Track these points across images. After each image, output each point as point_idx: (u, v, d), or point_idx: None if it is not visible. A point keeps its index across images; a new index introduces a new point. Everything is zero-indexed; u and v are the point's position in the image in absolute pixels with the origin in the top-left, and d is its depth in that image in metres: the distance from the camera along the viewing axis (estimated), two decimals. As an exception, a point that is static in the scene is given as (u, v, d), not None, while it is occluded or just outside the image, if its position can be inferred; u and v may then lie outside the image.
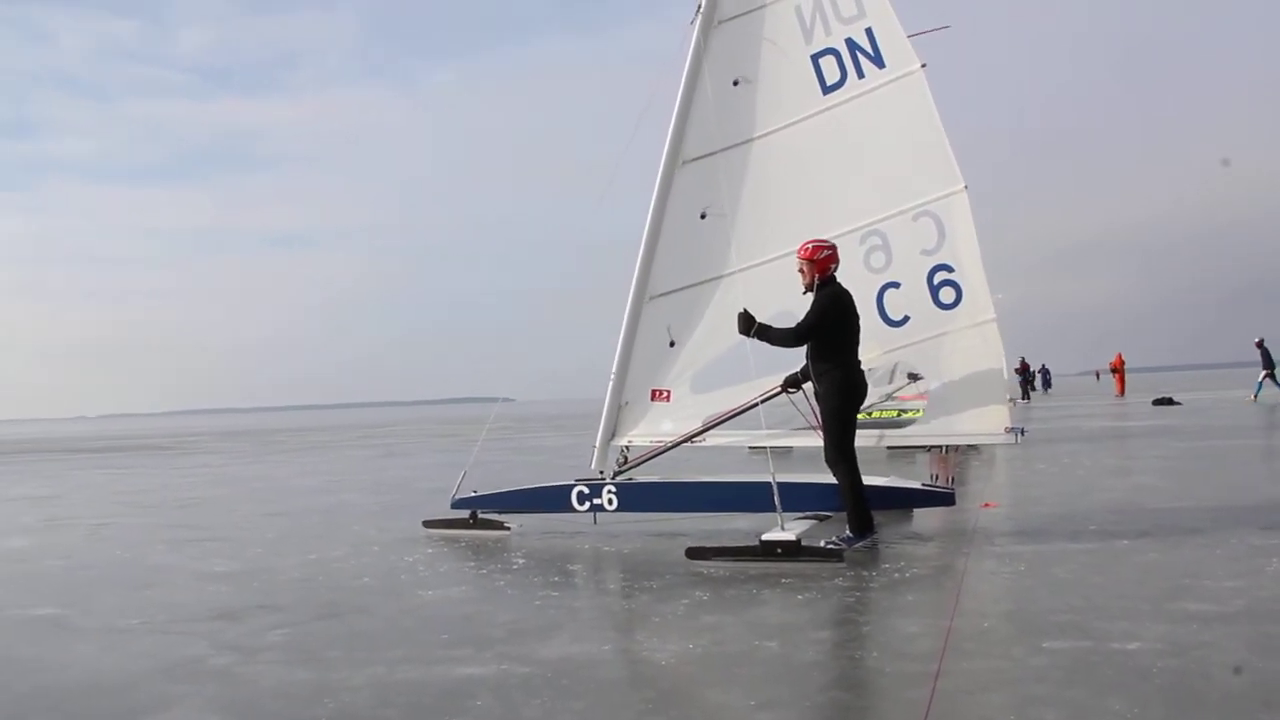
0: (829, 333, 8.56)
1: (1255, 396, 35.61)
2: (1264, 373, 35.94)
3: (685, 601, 6.90)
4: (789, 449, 9.71)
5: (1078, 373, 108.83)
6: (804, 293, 8.71)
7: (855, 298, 8.70)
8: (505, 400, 13.29)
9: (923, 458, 16.53)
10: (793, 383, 9.00)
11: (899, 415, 15.81)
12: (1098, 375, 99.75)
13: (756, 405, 9.14)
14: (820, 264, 8.63)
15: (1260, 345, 36.25)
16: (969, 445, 15.44)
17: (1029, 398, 50.38)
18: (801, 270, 8.70)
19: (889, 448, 9.70)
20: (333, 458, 26.96)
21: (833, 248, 8.71)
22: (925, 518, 9.93)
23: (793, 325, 8.68)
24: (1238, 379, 77.29)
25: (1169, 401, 36.07)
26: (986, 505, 10.69)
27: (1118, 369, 51.56)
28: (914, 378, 9.54)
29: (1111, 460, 16.70)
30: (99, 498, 17.58)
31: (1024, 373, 51.51)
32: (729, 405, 9.53)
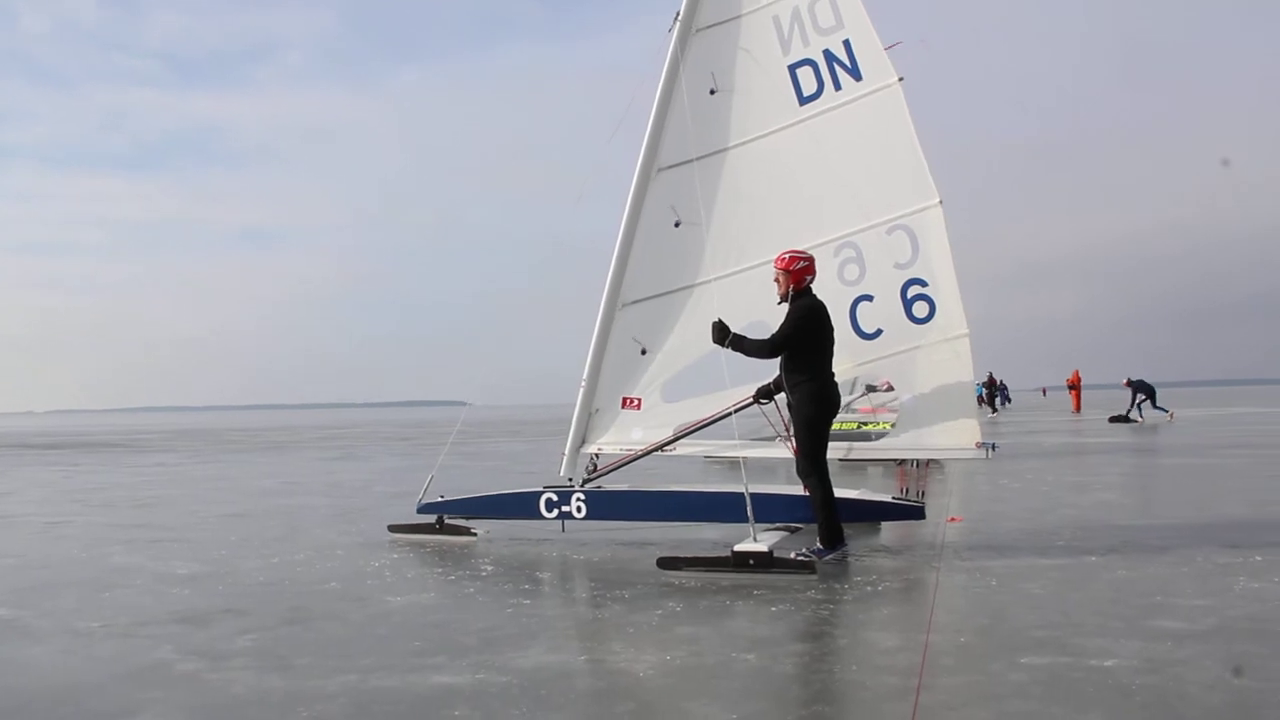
0: (803, 344, 8.54)
1: (1140, 417, 36.73)
2: (1142, 398, 37.25)
3: (659, 612, 6.86)
4: (745, 459, 9.70)
5: (1031, 388, 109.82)
6: (779, 303, 8.69)
7: (829, 310, 8.70)
8: (464, 405, 13.20)
9: (876, 470, 16.60)
10: (765, 393, 8.98)
11: (859, 427, 15.89)
12: (1044, 391, 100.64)
13: (729, 415, 9.12)
14: (795, 275, 8.61)
15: (1129, 384, 37.61)
16: (931, 459, 15.52)
17: (996, 411, 50.67)
18: (777, 280, 8.68)
19: (841, 460, 9.70)
20: (290, 459, 26.70)
21: (809, 259, 8.69)
22: (892, 531, 9.95)
23: (767, 336, 8.66)
24: (1192, 398, 78.35)
25: (1124, 419, 36.47)
26: (952, 519, 10.72)
27: (1075, 385, 51.97)
28: (871, 389, 9.55)
29: (1073, 476, 16.85)
30: (51, 496, 17.28)
31: (991, 387, 51.77)
32: (700, 414, 9.51)
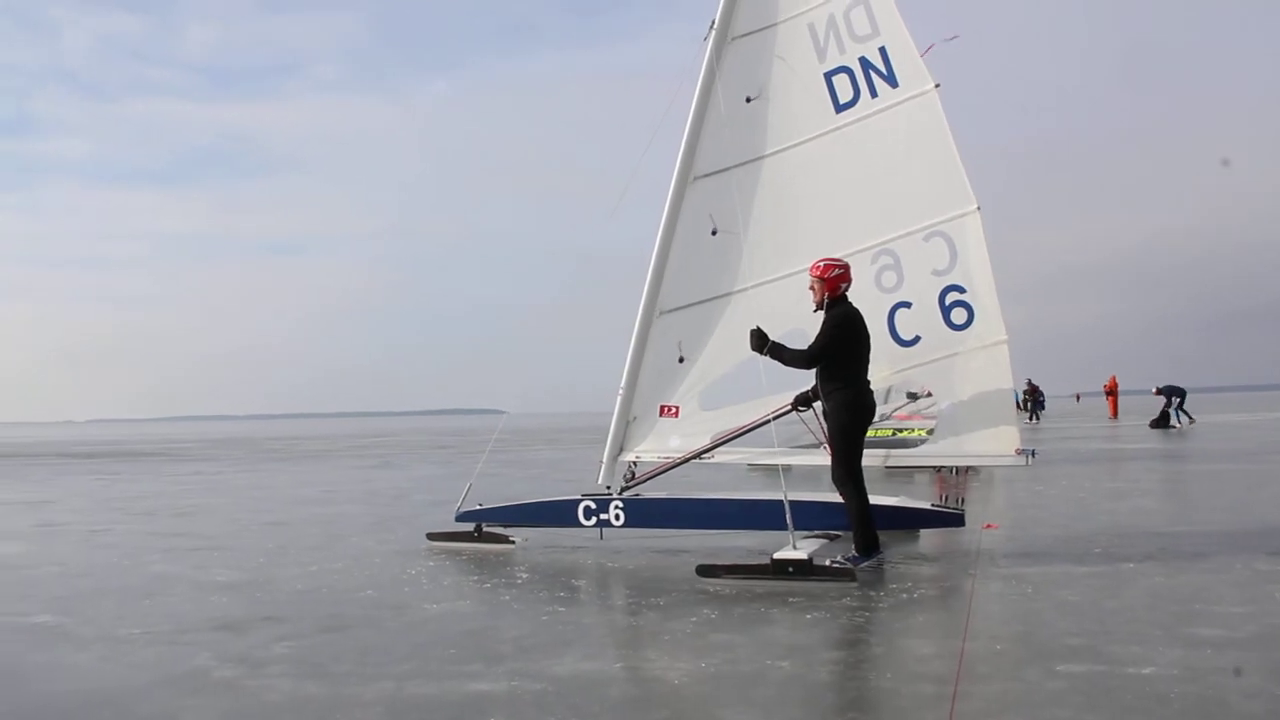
0: (840, 353, 8.52)
1: (1179, 423, 36.94)
2: (1177, 400, 37.54)
3: (694, 619, 6.86)
4: (789, 466, 9.68)
5: (1064, 395, 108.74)
6: (815, 310, 8.68)
7: (866, 317, 8.66)
8: (500, 413, 13.26)
9: (922, 478, 16.55)
10: (803, 401, 8.94)
11: (894, 434, 15.85)
12: (1078, 398, 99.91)
13: (768, 422, 9.11)
14: (830, 283, 8.59)
15: (1159, 391, 37.78)
16: (968, 466, 15.46)
17: (1038, 419, 50.13)
18: (812, 289, 8.67)
19: (886, 467, 9.68)
20: (328, 467, 26.87)
21: (845, 267, 8.68)
22: (928, 538, 9.90)
23: (804, 345, 8.64)
24: (1229, 403, 77.48)
25: (1165, 424, 36.16)
26: (988, 526, 10.65)
27: (1111, 391, 51.44)
28: (913, 396, 9.50)
29: (1110, 482, 16.72)
30: (92, 504, 17.46)
31: (1031, 394, 51.27)
32: (737, 422, 9.49)
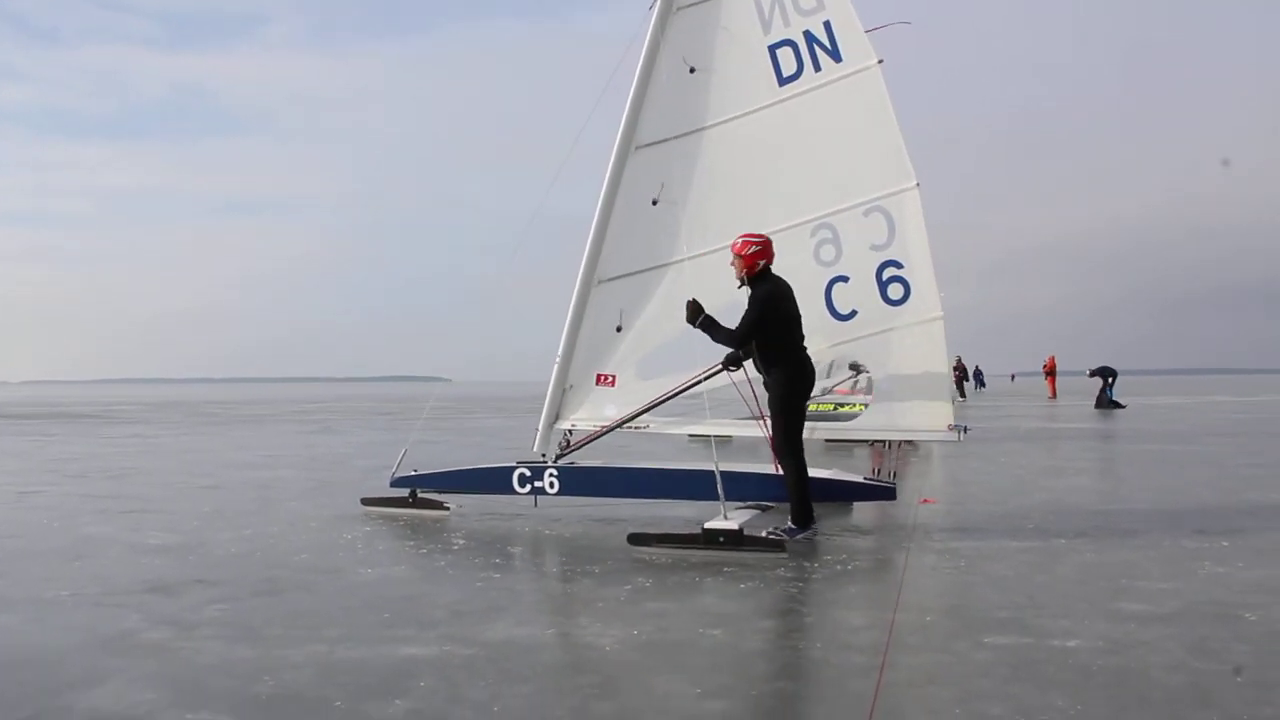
0: (771, 328, 8.54)
1: (1114, 402, 37.42)
2: (1110, 380, 38.26)
3: (628, 587, 6.89)
4: (729, 437, 9.71)
5: (1003, 375, 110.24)
6: (739, 287, 8.68)
7: (804, 290, 8.69)
8: (442, 381, 13.19)
9: (861, 452, 16.68)
10: (734, 360, 8.89)
11: (835, 409, 15.93)
12: (1013, 377, 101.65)
13: (699, 383, 9.12)
14: (748, 260, 8.54)
15: (1094, 373, 38.58)
16: (906, 441, 15.59)
17: (965, 396, 50.84)
18: (733, 264, 8.67)
19: (827, 440, 9.73)
20: (267, 432, 26.64)
21: (762, 242, 8.61)
22: (864, 511, 9.99)
23: (739, 320, 8.62)
24: (1170, 386, 78.75)
25: (1113, 404, 36.69)
26: (925, 501, 10.78)
27: (1050, 371, 52.00)
28: (855, 368, 9.55)
29: (1047, 460, 16.95)
30: (24, 466, 17.21)
31: (960, 372, 51.87)
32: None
